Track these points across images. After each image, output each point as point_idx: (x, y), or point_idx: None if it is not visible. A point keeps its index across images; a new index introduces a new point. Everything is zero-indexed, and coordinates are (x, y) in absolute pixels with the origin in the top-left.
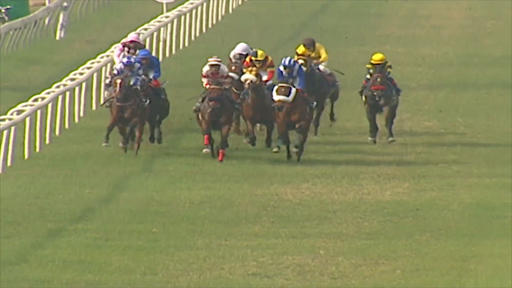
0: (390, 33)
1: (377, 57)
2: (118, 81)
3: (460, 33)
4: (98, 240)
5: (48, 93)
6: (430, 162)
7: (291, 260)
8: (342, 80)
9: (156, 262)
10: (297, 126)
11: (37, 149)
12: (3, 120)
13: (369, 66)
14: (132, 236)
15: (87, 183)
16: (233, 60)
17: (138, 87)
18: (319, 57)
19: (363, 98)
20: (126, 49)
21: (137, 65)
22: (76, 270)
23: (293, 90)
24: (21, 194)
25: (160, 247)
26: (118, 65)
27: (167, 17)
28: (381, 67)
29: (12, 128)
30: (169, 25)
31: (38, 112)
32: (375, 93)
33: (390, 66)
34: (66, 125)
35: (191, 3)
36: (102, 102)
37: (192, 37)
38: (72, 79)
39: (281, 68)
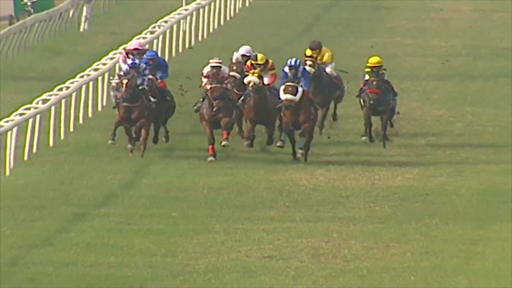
0: (400, 26)
1: (373, 60)
2: (125, 81)
3: (468, 26)
4: (120, 224)
5: (72, 83)
6: (439, 149)
7: (306, 243)
8: (354, 69)
9: (176, 245)
10: (302, 128)
11: (62, 137)
12: (29, 109)
13: (367, 69)
14: (152, 220)
15: (110, 169)
16: (235, 62)
17: (146, 87)
18: (324, 59)
19: (361, 101)
20: (130, 56)
21: (143, 65)
22: (99, 253)
23: (300, 89)
24: (46, 180)
25: (180, 231)
26: (124, 67)
27: (186, 10)
28: (377, 70)
29: (38, 116)
30: (188, 18)
31: (63, 101)
32: (370, 96)
33: (384, 69)
34: (90, 114)
35: None
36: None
37: (211, 30)
38: (96, 70)
39: (286, 69)
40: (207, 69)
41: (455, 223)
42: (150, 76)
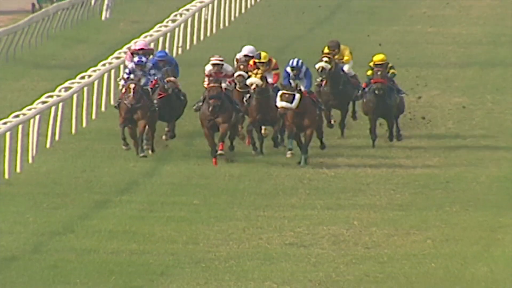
0: (421, 14)
1: (378, 57)
2: (132, 86)
3: (488, 13)
4: (142, 211)
5: (94, 71)
6: (460, 137)
7: (326, 230)
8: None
9: (198, 232)
10: (307, 132)
11: (84, 125)
12: (52, 96)
13: (369, 72)
14: (174, 208)
15: (132, 156)
16: (240, 61)
17: (149, 88)
18: (342, 58)
19: (363, 100)
20: (135, 56)
21: (149, 65)
22: (121, 240)
23: (297, 96)
24: (68, 167)
25: (201, 218)
26: (130, 65)
27: None
28: (382, 67)
29: (60, 104)
30: (210, 6)
31: (85, 89)
32: (374, 87)
33: (392, 67)
34: (112, 101)
35: None
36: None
37: (232, 18)
38: (117, 58)
39: (288, 69)
40: (208, 68)
41: (475, 210)
42: (172, 78)
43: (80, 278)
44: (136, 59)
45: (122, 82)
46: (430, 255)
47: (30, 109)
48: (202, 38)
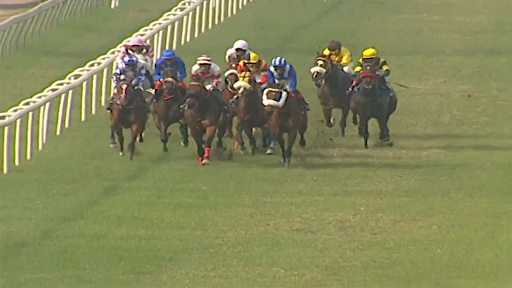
0: (426, 2)
1: (368, 52)
2: (124, 86)
3: (493, 2)
4: (151, 198)
5: (104, 58)
6: (465, 124)
7: (333, 216)
8: (380, 46)
9: (206, 218)
10: (290, 134)
11: (93, 112)
12: (62, 84)
13: (358, 68)
14: (183, 194)
15: (140, 143)
16: (232, 58)
17: (141, 88)
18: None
19: (352, 103)
20: (129, 51)
21: (140, 64)
22: (130, 226)
23: (284, 94)
24: (78, 154)
25: (210, 204)
26: (120, 65)
27: None
28: (372, 62)
29: (70, 91)
30: None
31: (94, 76)
32: (363, 81)
33: (385, 63)
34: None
35: None
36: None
37: (240, 6)
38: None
39: (272, 68)
40: (195, 68)
41: (481, 197)
42: (170, 79)
43: (89, 264)
44: (126, 58)
45: (114, 82)
46: (436, 241)
47: (40, 97)
48: (210, 26)
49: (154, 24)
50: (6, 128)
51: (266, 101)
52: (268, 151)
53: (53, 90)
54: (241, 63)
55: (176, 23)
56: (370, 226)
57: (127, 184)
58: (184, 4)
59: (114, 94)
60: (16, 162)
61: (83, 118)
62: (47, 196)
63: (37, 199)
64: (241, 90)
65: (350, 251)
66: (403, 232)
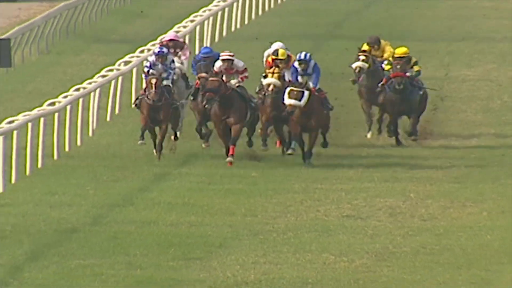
0: None
1: (399, 50)
2: (153, 81)
3: None
4: (201, 184)
5: (154, 45)
6: None
7: (383, 203)
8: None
9: (256, 205)
10: (312, 134)
11: None
12: (111, 70)
13: (388, 67)
14: (233, 180)
15: (191, 129)
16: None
17: (170, 84)
18: (382, 55)
19: (383, 97)
20: (165, 47)
21: (170, 57)
22: (180, 212)
23: (306, 93)
24: (128, 140)
25: (259, 190)
26: (150, 58)
27: None
28: (402, 60)
29: (120, 78)
30: None
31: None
32: (394, 81)
33: (416, 63)
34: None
35: None
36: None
37: None
38: (176, 32)
39: (296, 63)
40: (218, 64)
41: None
42: (203, 74)
43: (139, 250)
44: (156, 49)
45: (143, 76)
46: (485, 227)
47: (90, 83)
48: (260, 13)
49: (204, 11)
50: (56, 115)
51: (287, 101)
52: (289, 151)
53: (103, 76)
54: (269, 59)
55: (226, 10)
56: (420, 213)
57: (177, 170)
58: None
59: (143, 90)
60: (67, 149)
61: (133, 105)
62: (98, 182)
63: (87, 185)
64: (271, 87)
65: (400, 237)
66: (453, 219)
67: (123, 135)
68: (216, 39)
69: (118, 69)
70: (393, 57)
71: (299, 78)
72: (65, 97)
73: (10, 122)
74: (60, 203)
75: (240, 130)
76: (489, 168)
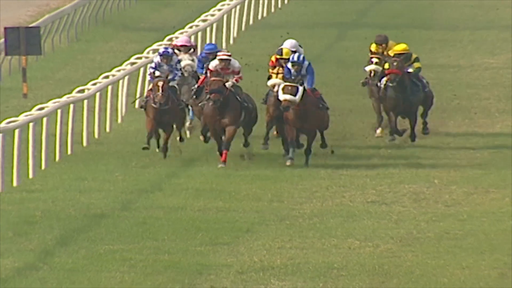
0: None
1: (398, 47)
2: (160, 83)
3: None
4: (228, 170)
5: (182, 33)
6: None
7: (408, 189)
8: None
9: (282, 190)
10: (309, 135)
11: None
12: (140, 58)
13: (386, 65)
14: (259, 166)
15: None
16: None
17: (175, 85)
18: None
19: (384, 96)
20: (176, 51)
21: (175, 58)
22: (208, 198)
23: (300, 89)
24: None
25: (286, 177)
26: (155, 58)
27: None
28: (400, 57)
29: (148, 65)
30: None
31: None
32: (388, 78)
33: (417, 59)
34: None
35: None
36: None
37: None
38: (204, 21)
39: (289, 65)
40: (214, 63)
41: None
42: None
43: (167, 235)
44: (161, 50)
45: (149, 78)
46: (508, 212)
47: (119, 70)
48: (286, 1)
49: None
50: (85, 102)
51: (282, 96)
52: (288, 163)
53: (132, 64)
54: (273, 58)
55: (253, 1)
56: (443, 198)
57: (205, 156)
58: None
59: (148, 92)
60: (96, 135)
61: (137, 106)
62: (126, 168)
63: (116, 171)
64: (276, 88)
65: (424, 222)
66: (476, 204)
67: None
68: (243, 27)
69: (146, 57)
70: (392, 53)
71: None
72: (94, 84)
73: (40, 109)
74: (89, 188)
75: (234, 132)
76: None
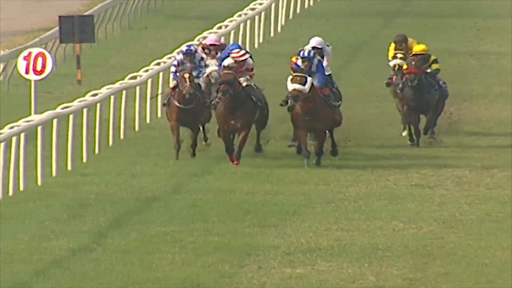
0: None
1: (417, 48)
2: (186, 75)
3: None
4: (277, 154)
5: (231, 21)
6: None
7: (451, 172)
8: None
9: (328, 174)
10: (320, 135)
11: None
12: (192, 45)
13: (405, 66)
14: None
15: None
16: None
17: (200, 83)
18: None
19: (401, 94)
20: (206, 51)
21: (198, 55)
22: (256, 181)
23: (309, 79)
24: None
25: (331, 160)
26: (178, 56)
27: None
28: (417, 57)
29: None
30: None
31: (222, 38)
32: (407, 76)
33: (436, 61)
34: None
35: None
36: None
37: None
38: (252, 9)
39: (299, 61)
40: (228, 61)
41: None
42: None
43: (217, 217)
44: (184, 48)
45: (172, 75)
46: None
47: (170, 58)
48: None
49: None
50: (137, 88)
51: (291, 86)
52: (306, 166)
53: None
54: (293, 58)
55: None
56: (485, 182)
57: (254, 141)
58: None
59: (171, 91)
60: (147, 120)
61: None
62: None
63: (167, 155)
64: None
65: (467, 205)
66: None
67: None
68: (291, 15)
69: (197, 45)
70: (412, 55)
71: None
72: (146, 71)
73: (93, 95)
74: (141, 172)
75: (246, 138)
76: None
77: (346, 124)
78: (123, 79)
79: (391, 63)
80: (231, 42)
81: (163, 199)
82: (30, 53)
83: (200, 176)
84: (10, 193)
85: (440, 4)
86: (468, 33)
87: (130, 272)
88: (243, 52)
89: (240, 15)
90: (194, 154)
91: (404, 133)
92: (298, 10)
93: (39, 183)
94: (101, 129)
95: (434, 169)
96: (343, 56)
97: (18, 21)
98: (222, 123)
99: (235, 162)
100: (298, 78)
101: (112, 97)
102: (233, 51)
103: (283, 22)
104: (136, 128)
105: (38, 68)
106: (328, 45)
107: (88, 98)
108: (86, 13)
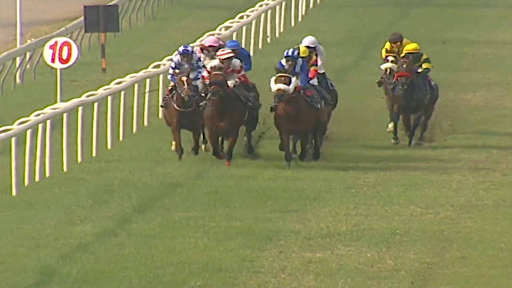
0: None
1: (409, 46)
2: (184, 78)
3: None
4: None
5: (252, 11)
6: None
7: (467, 159)
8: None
9: (348, 160)
10: (303, 137)
11: None
12: (213, 35)
13: (395, 68)
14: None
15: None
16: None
17: (198, 84)
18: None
19: (392, 95)
20: (205, 52)
21: (196, 56)
22: (277, 167)
23: (293, 79)
24: None
25: (351, 147)
26: (175, 58)
27: None
28: (409, 58)
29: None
30: None
31: (244, 28)
32: (399, 81)
33: (427, 60)
34: (268, 40)
35: None
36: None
37: None
38: None
39: (283, 60)
40: (214, 62)
41: None
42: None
43: (239, 203)
44: (181, 48)
45: (169, 78)
46: None
47: (193, 47)
48: None
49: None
50: (161, 76)
51: (275, 86)
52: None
53: None
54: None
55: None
56: (501, 168)
57: (275, 129)
58: None
59: (168, 93)
60: None
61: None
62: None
63: (190, 142)
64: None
65: (483, 190)
66: None
67: None
68: (311, 5)
69: (219, 34)
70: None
71: None
72: (169, 60)
73: (118, 83)
74: (165, 159)
75: (234, 142)
76: None
77: (364, 112)
78: (146, 67)
79: (383, 67)
80: (252, 31)
81: (186, 185)
82: (56, 42)
83: (222, 162)
84: (37, 179)
85: None
86: (483, 23)
87: (154, 256)
88: (228, 51)
89: (261, 5)
90: (197, 153)
91: (390, 126)
92: (318, 0)
93: (64, 169)
94: (125, 116)
95: (450, 155)
96: (362, 45)
97: (44, 11)
98: (210, 125)
99: (226, 163)
100: (282, 78)
101: (136, 85)
102: (218, 51)
103: (303, 12)
104: (160, 115)
105: (64, 56)
106: (319, 43)
107: (113, 86)
108: (110, 3)
